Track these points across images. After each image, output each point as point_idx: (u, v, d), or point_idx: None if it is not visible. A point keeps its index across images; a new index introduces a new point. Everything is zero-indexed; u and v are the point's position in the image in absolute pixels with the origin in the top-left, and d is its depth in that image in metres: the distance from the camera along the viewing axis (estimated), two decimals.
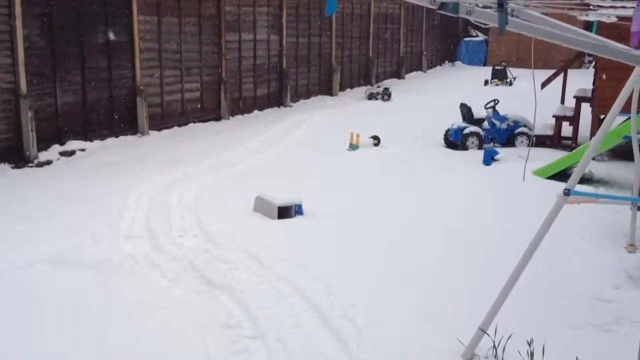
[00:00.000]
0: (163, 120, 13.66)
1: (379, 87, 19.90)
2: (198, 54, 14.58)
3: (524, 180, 8.23)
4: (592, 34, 2.77)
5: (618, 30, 5.22)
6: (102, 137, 12.08)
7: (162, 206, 8.27)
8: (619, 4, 3.53)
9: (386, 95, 18.96)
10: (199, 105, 14.76)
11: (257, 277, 6.02)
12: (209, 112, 15.06)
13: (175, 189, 9.08)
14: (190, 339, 4.88)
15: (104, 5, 12.03)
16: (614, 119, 4.69)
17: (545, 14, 3.24)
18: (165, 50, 13.60)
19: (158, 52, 13.42)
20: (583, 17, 3.64)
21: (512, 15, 2.80)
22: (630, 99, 5.44)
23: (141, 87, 12.87)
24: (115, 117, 12.47)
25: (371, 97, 19.27)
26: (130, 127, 12.77)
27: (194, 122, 14.49)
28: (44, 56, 10.89)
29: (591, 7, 3.76)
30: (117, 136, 12.39)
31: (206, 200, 8.53)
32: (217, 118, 15.23)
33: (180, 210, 8.13)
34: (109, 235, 7.11)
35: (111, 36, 12.21)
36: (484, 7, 2.40)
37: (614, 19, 3.51)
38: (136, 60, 12.77)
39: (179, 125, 14.05)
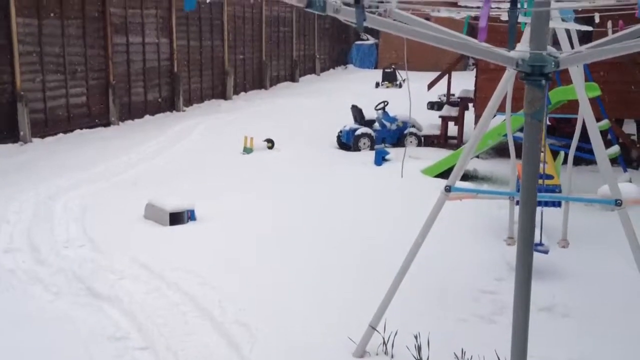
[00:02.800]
0: (47, 126, 13.03)
1: None
2: (83, 57, 14.02)
3: (402, 177, 8.46)
4: (460, 34, 2.88)
5: (494, 34, 5.47)
6: None
7: (46, 217, 7.88)
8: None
9: None
10: (85, 111, 14.20)
11: (146, 286, 5.85)
12: (97, 117, 14.51)
13: (60, 198, 8.68)
14: (74, 353, 4.67)
15: None
16: (489, 119, 4.91)
17: (418, 15, 3.35)
18: (47, 54, 12.98)
19: (39, 55, 12.79)
20: (441, 15, 3.78)
21: (382, 15, 2.87)
22: (505, 98, 5.72)
23: (22, 93, 12.22)
24: None
25: None
26: (10, 134, 12.09)
27: (81, 129, 13.91)
28: None
29: (459, 5, 3.91)
30: None
31: (93, 209, 8.21)
32: (106, 124, 14.72)
33: (66, 220, 7.78)
34: None
35: None
36: (351, 5, 2.44)
37: (462, 15, 3.68)
38: (15, 65, 12.12)
39: (65, 132, 13.46)
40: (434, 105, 16.01)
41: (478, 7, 3.44)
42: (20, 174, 10.01)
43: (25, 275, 6.10)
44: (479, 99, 11.91)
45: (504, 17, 3.59)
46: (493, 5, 3.87)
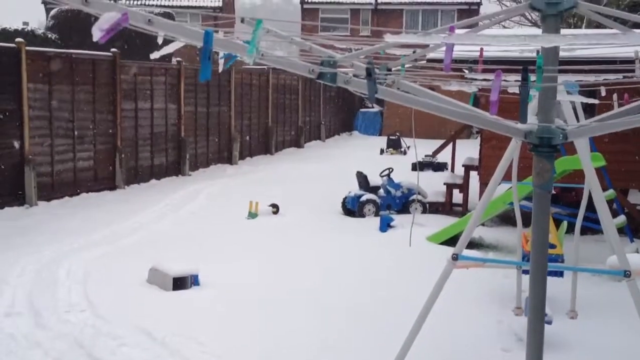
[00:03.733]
0: (53, 190, 13.10)
1: None
2: (92, 122, 14.22)
3: (410, 245, 8.44)
4: (467, 105, 2.93)
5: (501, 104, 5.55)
6: None
7: (48, 281, 7.82)
8: (491, 77, 3.76)
9: None
10: (92, 175, 14.30)
11: (147, 353, 5.76)
12: (103, 181, 14.60)
13: (64, 262, 8.63)
14: None
15: None
16: (495, 187, 4.93)
17: (426, 87, 3.41)
18: (56, 119, 13.18)
19: (49, 120, 12.99)
20: (447, 87, 3.85)
21: (392, 87, 2.92)
22: (511, 167, 5.76)
23: (30, 156, 12.34)
24: (1, 187, 11.84)
25: None
26: (17, 197, 12.14)
27: (87, 192, 13.97)
28: None
29: (466, 78, 3.99)
30: (2, 207, 11.74)
31: (97, 273, 8.16)
32: (112, 187, 14.79)
33: (68, 284, 7.72)
34: None
35: None
36: (361, 77, 2.49)
37: (474, 89, 3.74)
38: (25, 129, 12.29)
39: (71, 195, 13.51)
40: (416, 166, 16.73)
41: (488, 80, 3.50)
42: (25, 237, 9.99)
43: (25, 340, 6.01)
44: (484, 166, 11.98)
45: (511, 89, 3.65)
46: (490, 77, 3.95)
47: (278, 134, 23.87)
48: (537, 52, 4.68)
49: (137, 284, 7.81)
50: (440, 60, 5.87)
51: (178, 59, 18.04)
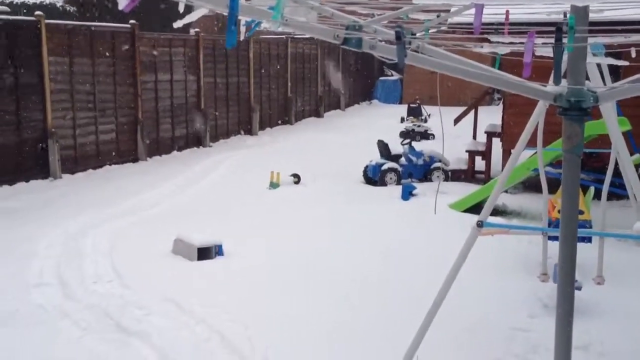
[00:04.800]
0: (77, 163, 13.22)
1: None
2: (113, 95, 14.27)
3: (435, 213, 8.38)
4: (494, 69, 2.87)
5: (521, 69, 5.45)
6: (11, 182, 11.53)
7: (75, 252, 7.94)
8: (517, 40, 3.69)
9: None
10: (114, 147, 14.39)
11: (174, 322, 5.83)
12: (126, 153, 14.70)
13: (89, 233, 8.75)
14: None
15: (12, 47, 11.63)
16: (520, 154, 4.86)
17: (449, 50, 3.34)
18: (77, 92, 13.24)
19: (70, 93, 13.05)
20: (478, 50, 3.77)
21: (417, 52, 2.87)
22: (535, 133, 5.68)
23: (53, 130, 12.44)
24: (26, 160, 11.98)
25: None
26: (41, 170, 12.28)
27: (110, 165, 14.09)
28: None
29: (490, 41, 3.91)
30: (27, 180, 11.87)
31: (122, 245, 8.25)
32: (135, 159, 14.88)
33: (94, 255, 7.83)
34: (17, 285, 6.75)
35: (20, 77, 11.80)
36: (387, 42, 2.44)
37: (507, 51, 3.67)
38: (47, 102, 12.36)
39: (94, 167, 13.63)
40: (404, 135, 17.84)
41: (514, 43, 3.43)
42: (50, 210, 10.12)
43: (55, 310, 6.12)
44: (506, 133, 11.85)
45: (538, 52, 3.57)
46: (517, 40, 3.87)
47: (297, 103, 23.78)
48: (564, 14, 4.58)
49: (162, 254, 7.89)
50: (466, 24, 5.76)
51: (196, 29, 17.96)
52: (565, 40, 2.43)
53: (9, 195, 10.95)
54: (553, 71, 4.35)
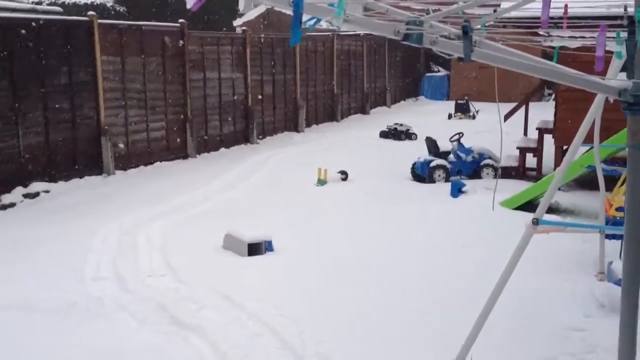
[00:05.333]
0: (129, 159, 13.51)
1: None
2: (163, 93, 14.52)
3: (493, 209, 8.28)
4: (557, 65, 2.83)
5: (576, 64, 5.36)
6: (67, 178, 11.86)
7: (129, 247, 8.12)
8: (577, 34, 3.62)
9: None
10: (164, 144, 14.65)
11: (227, 316, 5.91)
12: (175, 150, 14.95)
13: (142, 228, 8.93)
14: None
15: (66, 47, 11.95)
16: (577, 150, 4.77)
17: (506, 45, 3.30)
18: (129, 90, 13.52)
19: (122, 91, 13.34)
20: (553, 44, 3.71)
21: (474, 46, 2.84)
22: (592, 129, 5.56)
23: (106, 127, 12.74)
24: (80, 157, 12.30)
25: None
26: (95, 167, 12.59)
27: (160, 161, 14.35)
28: (5, 98, 10.73)
29: (550, 36, 3.85)
30: (82, 177, 12.19)
31: (174, 240, 8.40)
32: (184, 156, 15.12)
33: (148, 250, 7.99)
34: (75, 278, 6.94)
35: (74, 76, 12.11)
36: (448, 37, 2.43)
37: (575, 45, 3.60)
38: (100, 100, 12.66)
39: (145, 164, 13.91)
40: (387, 134, 18.18)
41: (574, 37, 3.37)
42: (105, 205, 10.38)
43: (112, 303, 6.27)
44: (559, 129, 11.62)
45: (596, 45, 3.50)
46: (585, 34, 3.80)
47: (343, 100, 23.78)
48: (625, 7, 4.47)
49: (212, 249, 8.01)
50: (519, 18, 5.68)
51: (243, 27, 18.14)
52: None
53: (65, 190, 11.27)
54: (611, 65, 4.26)
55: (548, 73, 2.80)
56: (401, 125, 18.29)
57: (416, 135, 17.78)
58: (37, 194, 10.99)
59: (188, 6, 2.01)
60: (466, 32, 2.35)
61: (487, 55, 2.61)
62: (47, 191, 11.17)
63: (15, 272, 7.12)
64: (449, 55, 2.61)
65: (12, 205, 10.41)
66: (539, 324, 5.70)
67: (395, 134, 18.13)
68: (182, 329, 5.67)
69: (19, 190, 10.82)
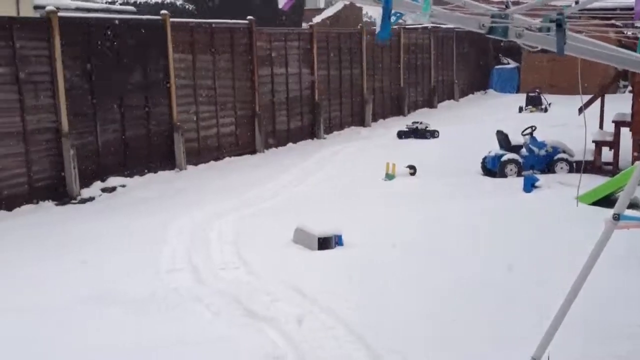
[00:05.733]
0: (200, 155, 13.82)
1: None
2: (232, 89, 14.78)
3: (577, 205, 8.04)
4: None
5: None
6: (142, 173, 12.26)
7: (202, 240, 8.32)
8: None
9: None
10: (234, 140, 14.92)
11: (299, 308, 5.98)
12: (244, 145, 15.20)
13: (214, 222, 9.13)
14: None
15: (140, 46, 12.31)
16: None
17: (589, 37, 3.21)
18: (200, 87, 13.83)
19: (193, 88, 13.65)
20: (620, 36, 3.59)
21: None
22: None
23: (178, 123, 13.07)
24: (154, 153, 12.67)
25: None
26: (168, 162, 12.95)
27: (230, 156, 14.63)
28: (84, 96, 11.16)
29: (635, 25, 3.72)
30: (155, 172, 12.57)
31: (245, 233, 8.55)
32: (252, 151, 15.36)
33: (220, 243, 8.17)
34: (152, 270, 7.16)
35: (148, 74, 12.47)
36: (537, 29, 2.38)
37: None
38: (172, 97, 13.00)
39: (215, 159, 14.21)
40: (409, 134, 17.27)
41: None
42: (178, 199, 10.66)
43: (188, 294, 6.44)
44: (637, 122, 11.20)
45: None
46: None
47: (410, 94, 23.59)
48: None
49: (283, 243, 8.10)
50: (598, 9, 5.51)
51: (310, 23, 18.23)
52: None
53: (140, 185, 11.65)
54: None
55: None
56: (420, 123, 17.55)
57: (438, 133, 17.28)
58: (114, 188, 11.40)
59: (280, 6, 2.05)
60: (560, 24, 2.30)
61: (577, 48, 2.55)
62: (124, 185, 11.57)
63: (94, 265, 7.40)
64: (533, 48, 2.57)
65: (91, 199, 10.84)
66: (614, 324, 5.52)
67: (418, 132, 17.28)
68: (256, 321, 5.77)
69: (97, 185, 11.27)
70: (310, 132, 17.67)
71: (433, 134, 17.26)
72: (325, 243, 7.83)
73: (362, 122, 20.15)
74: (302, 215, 8.79)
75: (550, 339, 4.51)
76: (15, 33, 9.98)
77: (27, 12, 17.08)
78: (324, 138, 17.74)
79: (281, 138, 16.54)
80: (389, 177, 12.01)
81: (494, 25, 2.35)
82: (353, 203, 10.23)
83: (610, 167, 11.92)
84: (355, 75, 19.90)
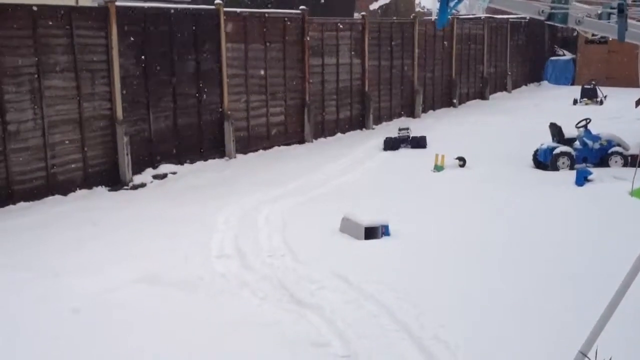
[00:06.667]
0: (249, 143, 13.96)
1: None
2: (282, 79, 14.86)
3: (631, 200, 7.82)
4: None
5: None
6: (192, 161, 12.47)
7: (250, 227, 8.43)
8: None
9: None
10: (283, 129, 15.01)
11: (345, 296, 6.02)
12: (293, 135, 15.28)
13: (262, 210, 9.24)
14: (281, 355, 4.92)
15: (194, 35, 12.49)
16: None
17: None
18: (251, 76, 13.94)
19: (244, 77, 13.78)
20: None
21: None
22: None
23: (228, 112, 13.23)
24: (205, 141, 12.87)
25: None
26: (218, 150, 13.13)
27: (279, 146, 14.73)
28: (139, 84, 11.40)
29: None
30: (206, 160, 12.77)
31: (292, 221, 8.63)
32: (301, 141, 15.42)
33: (268, 230, 8.26)
34: (201, 255, 7.30)
35: (201, 63, 12.65)
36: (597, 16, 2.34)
37: None
38: (224, 86, 13.16)
39: (264, 148, 14.33)
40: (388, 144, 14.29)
41: None
42: (227, 187, 10.82)
43: (235, 279, 6.56)
44: None
45: None
46: None
47: (462, 86, 23.28)
48: None
49: (330, 232, 8.15)
50: None
51: (362, 13, 18.16)
52: None
53: (190, 172, 11.86)
54: None
55: None
56: (407, 129, 14.77)
57: (425, 141, 14.47)
58: (165, 175, 11.63)
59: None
60: (622, 10, 2.26)
61: (638, 35, 2.49)
62: (174, 173, 11.80)
63: (145, 248, 7.59)
64: (593, 35, 2.52)
65: (142, 185, 11.09)
66: None
67: (408, 141, 14.51)
68: (301, 307, 5.84)
69: (149, 172, 11.51)
70: (359, 123, 17.63)
71: (419, 143, 14.43)
72: (371, 233, 7.84)
73: (411, 113, 19.99)
74: (349, 205, 8.82)
75: (599, 332, 4.43)
76: (74, 22, 10.26)
77: (85, 1, 17.54)
78: (373, 129, 17.67)
79: (330, 128, 16.55)
80: (438, 168, 11.92)
81: (553, 11, 2.32)
82: (401, 193, 10.20)
83: None
84: (406, 66, 19.74)
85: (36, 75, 9.73)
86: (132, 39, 11.23)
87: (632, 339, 4.96)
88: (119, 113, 10.91)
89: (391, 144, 14.47)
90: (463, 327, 5.30)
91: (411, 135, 14.67)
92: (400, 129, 14.92)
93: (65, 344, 5.19)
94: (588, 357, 4.40)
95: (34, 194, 9.81)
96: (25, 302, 6.05)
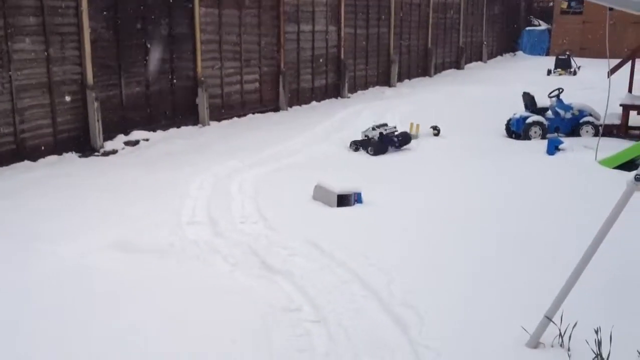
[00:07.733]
0: (223, 110, 13.84)
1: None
2: (257, 46, 14.70)
3: (598, 168, 7.88)
4: None
5: None
6: (165, 128, 12.33)
7: (223, 194, 8.39)
8: None
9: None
10: (257, 97, 14.89)
11: (316, 263, 6.04)
12: (268, 103, 15.18)
13: (235, 177, 9.19)
14: (252, 321, 4.93)
15: None
16: None
17: None
18: (225, 42, 13.76)
19: (218, 43, 13.60)
20: None
21: None
22: None
23: (202, 79, 13.07)
24: (178, 107, 12.72)
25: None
26: (191, 117, 13.00)
27: (253, 113, 14.63)
28: (109, 48, 11.19)
29: None
30: (178, 126, 12.64)
31: (265, 189, 8.60)
32: (276, 109, 15.34)
33: (241, 198, 8.23)
34: (172, 222, 7.25)
35: (174, 28, 12.43)
36: None
37: None
38: (197, 52, 12.98)
39: (239, 116, 14.22)
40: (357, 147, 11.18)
41: None
42: (200, 155, 10.73)
43: (207, 245, 6.53)
44: None
45: None
46: None
47: (437, 55, 23.26)
48: None
49: (303, 199, 8.15)
50: None
51: None
52: None
53: (163, 139, 11.74)
54: None
55: None
56: (385, 125, 11.53)
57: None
58: (137, 142, 11.50)
59: None
60: None
61: None
62: (147, 139, 11.66)
63: (116, 214, 7.51)
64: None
65: (114, 152, 10.96)
66: (632, 281, 5.50)
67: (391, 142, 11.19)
68: (273, 274, 5.84)
69: (121, 138, 11.37)
70: (334, 91, 17.57)
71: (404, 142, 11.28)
72: (344, 200, 7.86)
73: (387, 82, 19.97)
74: (322, 173, 8.81)
75: (564, 297, 4.51)
76: None
77: None
78: (348, 97, 17.63)
79: (305, 96, 16.48)
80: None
81: None
82: (375, 162, 10.22)
83: (638, 132, 11.72)
84: (383, 34, 19.65)
85: (4, 38, 9.49)
86: (103, 1, 10.98)
87: (599, 305, 5.05)
88: (90, 78, 10.71)
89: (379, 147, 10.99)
90: (431, 293, 5.35)
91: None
92: (375, 127, 11.35)
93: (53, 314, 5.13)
94: (553, 321, 4.49)
95: (3, 159, 9.65)
96: (6, 269, 5.92)
